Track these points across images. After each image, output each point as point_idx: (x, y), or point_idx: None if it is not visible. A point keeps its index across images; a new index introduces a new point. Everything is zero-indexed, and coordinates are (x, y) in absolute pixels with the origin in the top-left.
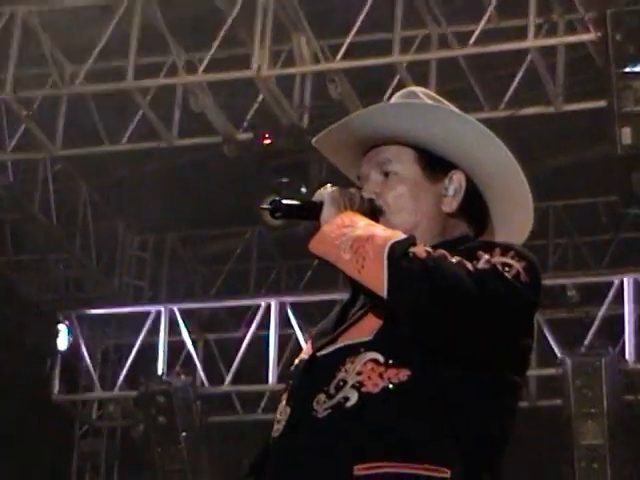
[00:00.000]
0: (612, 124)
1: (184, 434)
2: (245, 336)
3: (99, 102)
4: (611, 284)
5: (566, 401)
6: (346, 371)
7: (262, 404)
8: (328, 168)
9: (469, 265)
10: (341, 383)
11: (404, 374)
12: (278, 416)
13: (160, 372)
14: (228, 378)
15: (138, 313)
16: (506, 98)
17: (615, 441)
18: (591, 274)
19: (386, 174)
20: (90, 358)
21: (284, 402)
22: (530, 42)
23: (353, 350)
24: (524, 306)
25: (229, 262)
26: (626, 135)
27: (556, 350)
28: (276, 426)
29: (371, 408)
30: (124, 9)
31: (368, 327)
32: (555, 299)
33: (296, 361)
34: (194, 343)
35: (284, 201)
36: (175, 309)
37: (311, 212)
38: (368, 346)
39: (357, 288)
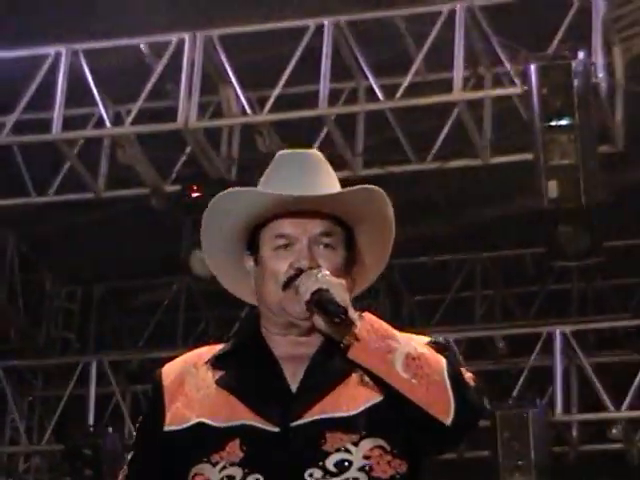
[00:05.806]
0: (538, 177)
1: None
2: None
3: (26, 153)
4: (539, 335)
5: (494, 453)
6: (347, 451)
7: None
8: None
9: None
10: (346, 463)
11: (404, 466)
12: None
13: (88, 424)
14: None
15: (66, 364)
16: (434, 150)
17: None
18: (518, 325)
19: (325, 246)
20: (17, 410)
21: (241, 472)
22: (457, 95)
23: (336, 424)
24: None
25: (157, 313)
26: (552, 188)
27: (484, 402)
28: None
29: None
30: (51, 61)
31: (353, 399)
32: (483, 351)
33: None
34: (122, 395)
35: (341, 304)
36: (103, 360)
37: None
38: (363, 427)
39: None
